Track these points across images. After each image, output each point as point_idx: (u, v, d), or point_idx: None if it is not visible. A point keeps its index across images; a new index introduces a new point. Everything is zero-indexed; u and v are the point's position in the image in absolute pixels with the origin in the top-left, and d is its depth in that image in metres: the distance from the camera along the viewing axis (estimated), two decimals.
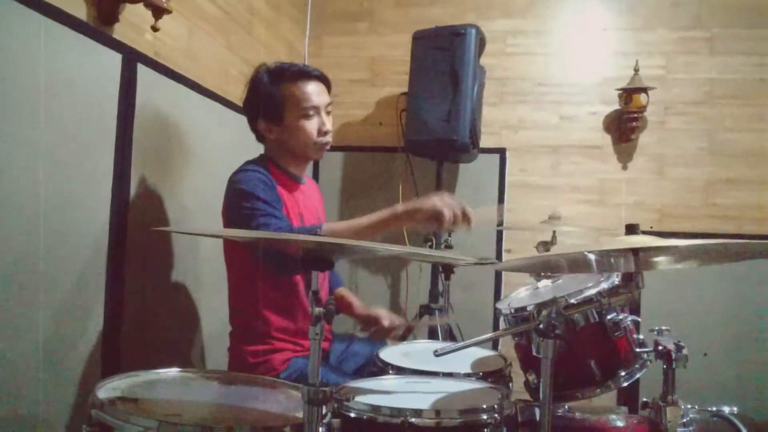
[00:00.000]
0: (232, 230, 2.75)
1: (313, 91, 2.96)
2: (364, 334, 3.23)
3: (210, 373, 2.38)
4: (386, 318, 3.19)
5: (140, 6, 2.79)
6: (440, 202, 2.56)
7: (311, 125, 2.95)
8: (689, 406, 2.19)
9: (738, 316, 4.72)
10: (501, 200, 5.14)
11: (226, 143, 3.76)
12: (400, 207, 2.62)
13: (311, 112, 2.94)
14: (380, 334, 3.18)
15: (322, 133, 2.98)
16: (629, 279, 2.06)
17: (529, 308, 2.39)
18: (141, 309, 3.06)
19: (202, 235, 3.44)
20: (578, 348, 2.27)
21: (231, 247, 2.98)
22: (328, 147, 3.05)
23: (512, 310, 2.53)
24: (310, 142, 2.96)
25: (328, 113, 3.02)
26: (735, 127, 4.90)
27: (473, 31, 4.52)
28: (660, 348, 2.13)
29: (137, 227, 2.99)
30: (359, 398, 1.97)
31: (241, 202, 2.74)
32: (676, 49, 5.02)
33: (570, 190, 5.13)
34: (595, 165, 5.11)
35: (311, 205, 3.15)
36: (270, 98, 2.94)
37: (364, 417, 1.93)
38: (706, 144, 4.94)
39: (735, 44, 4.92)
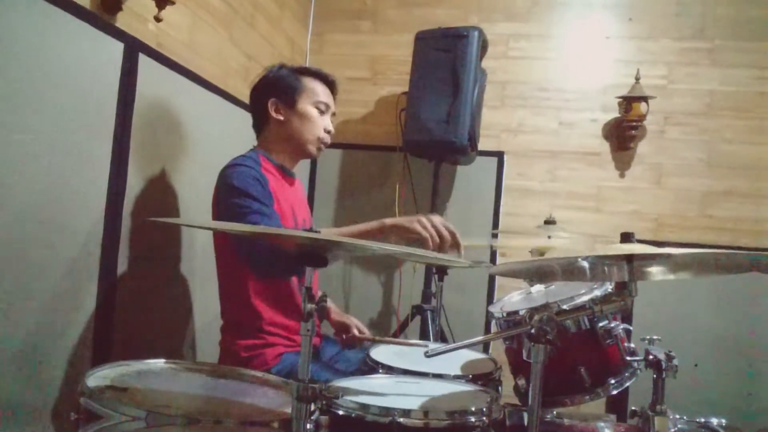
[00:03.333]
0: (229, 223, 2.75)
1: (327, 93, 3.11)
2: (336, 339, 3.33)
3: (200, 366, 2.37)
4: (355, 327, 3.29)
5: None
6: (427, 225, 2.67)
7: (320, 119, 3.05)
8: (678, 417, 2.19)
9: (729, 329, 4.72)
10: (497, 203, 5.14)
11: (226, 136, 3.76)
12: (389, 221, 2.76)
13: (323, 108, 3.06)
14: (350, 341, 3.27)
15: (326, 131, 3.07)
16: (622, 287, 2.06)
17: (521, 313, 2.39)
18: (133, 299, 3.06)
19: (198, 227, 3.44)
20: (569, 354, 2.27)
21: (221, 241, 2.98)
22: (325, 148, 3.13)
23: (504, 314, 2.53)
24: (316, 133, 3.05)
25: (332, 116, 3.13)
26: (734, 139, 4.91)
27: (476, 33, 4.52)
28: (650, 357, 2.13)
29: (133, 217, 2.99)
30: (348, 396, 1.97)
31: (231, 198, 2.75)
32: (677, 60, 5.02)
33: (567, 196, 5.13)
34: (592, 172, 5.12)
35: (302, 202, 3.19)
36: (289, 82, 3.04)
37: (353, 415, 1.93)
38: (705, 155, 4.95)
39: (737, 56, 4.93)
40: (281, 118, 3.03)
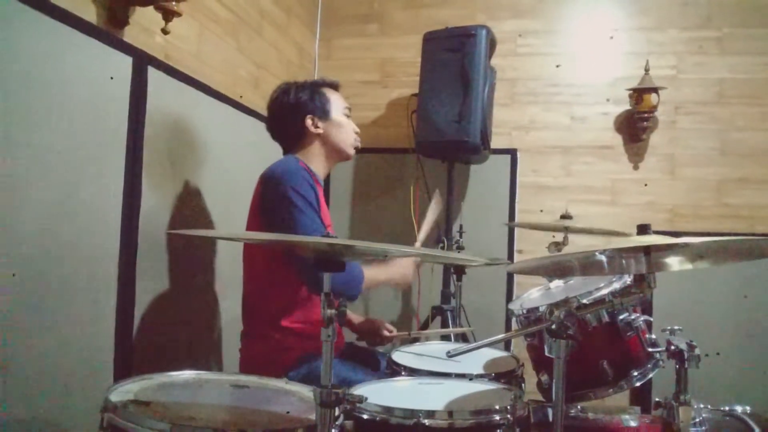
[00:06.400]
0: (249, 233, 2.76)
1: (343, 98, 3.25)
2: (360, 342, 3.44)
3: (223, 376, 2.37)
4: (384, 328, 3.40)
5: (150, 9, 2.81)
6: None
7: (350, 123, 3.20)
8: (702, 406, 2.19)
9: (750, 315, 4.70)
10: (512, 200, 5.14)
11: (237, 145, 3.77)
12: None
13: (348, 113, 3.21)
14: (382, 342, 3.40)
15: (356, 133, 3.22)
16: (641, 279, 2.05)
17: (541, 309, 2.39)
18: (153, 312, 3.06)
19: (215, 237, 3.44)
20: (590, 348, 2.26)
21: (252, 247, 3.01)
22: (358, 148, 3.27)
23: (524, 311, 2.53)
24: (351, 137, 3.20)
25: None
26: (746, 126, 4.88)
27: (483, 32, 4.51)
28: (672, 347, 2.12)
29: (149, 230, 2.99)
30: (372, 400, 1.97)
31: (296, 213, 2.79)
32: (686, 49, 5.00)
33: (581, 191, 5.11)
34: (606, 165, 5.10)
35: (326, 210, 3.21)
36: (318, 97, 3.14)
37: (377, 418, 1.94)
38: (718, 144, 4.93)
39: (745, 43, 4.91)
40: (320, 131, 3.12)
